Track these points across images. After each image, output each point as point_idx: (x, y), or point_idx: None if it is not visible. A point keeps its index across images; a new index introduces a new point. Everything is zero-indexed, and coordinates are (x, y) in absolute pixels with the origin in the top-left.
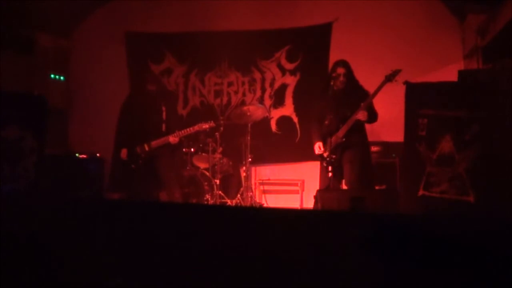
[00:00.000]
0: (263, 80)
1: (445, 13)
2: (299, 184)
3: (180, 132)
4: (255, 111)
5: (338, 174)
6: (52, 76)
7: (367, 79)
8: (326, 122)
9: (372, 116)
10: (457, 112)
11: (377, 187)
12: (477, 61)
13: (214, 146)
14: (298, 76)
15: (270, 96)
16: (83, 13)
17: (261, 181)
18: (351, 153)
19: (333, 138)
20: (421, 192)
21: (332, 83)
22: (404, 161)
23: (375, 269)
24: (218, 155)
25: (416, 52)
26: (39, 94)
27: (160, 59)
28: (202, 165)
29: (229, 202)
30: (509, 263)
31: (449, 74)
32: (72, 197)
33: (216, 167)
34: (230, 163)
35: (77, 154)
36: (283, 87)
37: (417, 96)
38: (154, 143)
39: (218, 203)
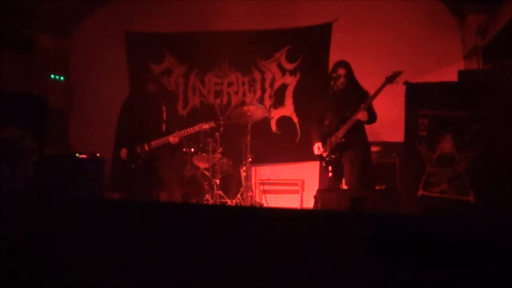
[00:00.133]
0: (263, 80)
1: (445, 13)
2: (299, 184)
3: (180, 132)
4: (255, 111)
5: (338, 174)
6: (52, 76)
7: (367, 79)
8: (326, 122)
9: (372, 117)
10: (457, 112)
11: (377, 187)
12: (477, 61)
13: (214, 146)
14: (298, 76)
15: (270, 96)
16: (83, 13)
17: (261, 181)
18: (351, 153)
19: (333, 138)
20: (420, 192)
21: (332, 83)
22: (404, 161)
23: (375, 269)
24: (218, 155)
25: (416, 52)
26: (39, 94)
27: (160, 59)
28: (202, 165)
29: (229, 202)
30: (509, 263)
31: (449, 74)
32: (72, 197)
33: (216, 167)
34: (230, 163)
35: (77, 154)
36: (283, 87)
37: (417, 96)
38: (154, 143)
39: (218, 203)
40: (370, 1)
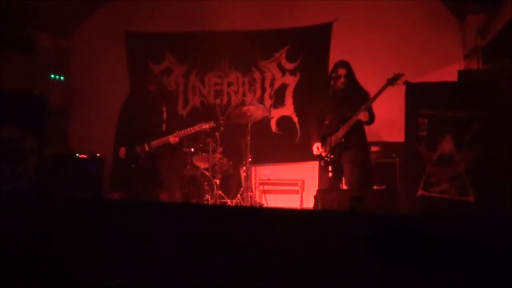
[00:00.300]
0: (263, 80)
1: (445, 13)
2: (299, 184)
3: (181, 132)
4: (255, 111)
5: (338, 174)
6: (52, 76)
7: (367, 79)
8: (326, 122)
9: (372, 118)
10: (457, 112)
11: (377, 187)
12: (477, 61)
13: (214, 146)
14: (298, 76)
15: (270, 96)
16: (83, 13)
17: (261, 181)
18: (351, 153)
19: (333, 138)
20: (420, 192)
21: (332, 83)
22: (404, 161)
23: (375, 269)
24: (218, 155)
25: (416, 52)
26: (39, 94)
27: (160, 59)
28: (202, 165)
29: (229, 202)
30: (509, 263)
31: (449, 74)
32: (72, 197)
33: (216, 167)
34: (230, 163)
35: (77, 154)
36: (283, 87)
37: (417, 96)
38: (154, 143)
39: (218, 203)
40: (370, 1)
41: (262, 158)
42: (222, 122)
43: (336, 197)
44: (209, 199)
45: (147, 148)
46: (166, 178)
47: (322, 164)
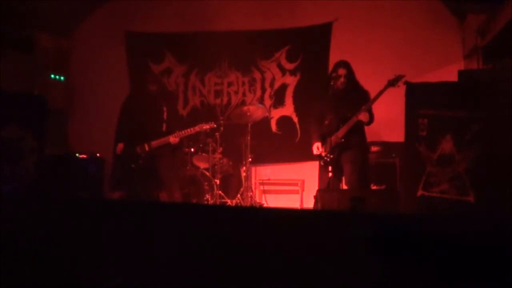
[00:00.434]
0: (263, 80)
1: (445, 13)
2: (299, 184)
3: (181, 133)
4: (255, 111)
5: (338, 174)
6: (52, 76)
7: (367, 79)
8: (326, 122)
9: (371, 118)
10: (457, 112)
11: (377, 187)
12: (477, 61)
13: (214, 146)
14: (298, 76)
15: (270, 96)
16: (83, 13)
17: (261, 181)
18: (352, 153)
19: (333, 138)
20: (420, 192)
21: (332, 83)
22: (404, 161)
23: (375, 269)
24: (218, 155)
25: (416, 52)
26: (39, 94)
27: (160, 59)
28: (202, 165)
29: (229, 202)
30: (509, 263)
31: (449, 74)
32: (72, 197)
33: (216, 167)
34: (230, 163)
35: (77, 154)
36: (283, 87)
37: (417, 96)
38: (154, 143)
39: (218, 203)
40: (370, 1)
41: (262, 158)
42: (222, 122)
43: (336, 197)
44: (209, 199)
45: (147, 148)
46: (166, 178)
47: (322, 163)
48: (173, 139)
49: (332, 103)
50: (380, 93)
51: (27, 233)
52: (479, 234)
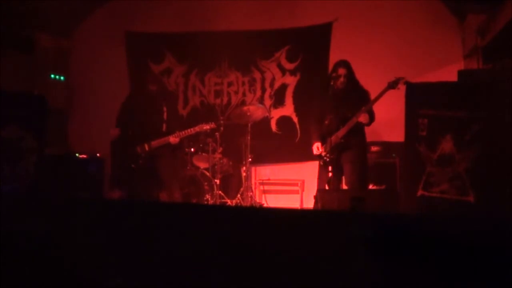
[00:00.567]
0: (263, 80)
1: (445, 13)
2: (299, 184)
3: (181, 133)
4: (255, 111)
5: (338, 174)
6: (52, 76)
7: (367, 79)
8: (326, 122)
9: (371, 119)
10: (457, 112)
11: (377, 187)
12: (477, 61)
13: (214, 146)
14: (298, 76)
15: (270, 96)
16: (83, 13)
17: (261, 181)
18: (352, 153)
19: (333, 138)
20: (420, 192)
21: (332, 83)
22: (404, 161)
23: (375, 269)
24: (218, 155)
25: (416, 52)
26: (39, 94)
27: (160, 59)
28: (202, 165)
29: (229, 202)
30: (509, 263)
31: (449, 74)
32: (72, 197)
33: (216, 167)
34: (230, 163)
35: (77, 154)
36: (283, 87)
37: (417, 96)
38: (154, 143)
39: (218, 203)
40: (370, 1)
41: (262, 158)
42: (222, 122)
43: (336, 197)
44: (209, 199)
45: (147, 148)
46: (166, 178)
47: (321, 163)
48: (173, 139)
49: (332, 103)
50: (380, 95)
51: (27, 233)
52: (479, 234)
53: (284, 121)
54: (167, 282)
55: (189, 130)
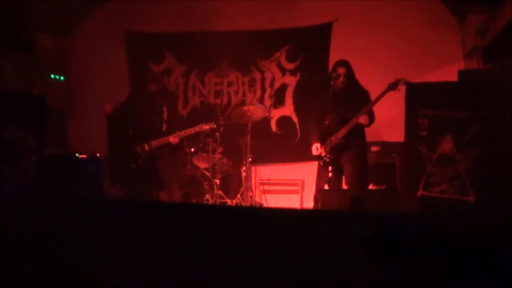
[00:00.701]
0: (263, 80)
1: (445, 13)
2: (299, 184)
3: (181, 133)
4: (255, 111)
5: (338, 174)
6: (52, 76)
7: (367, 79)
8: (326, 122)
9: (371, 120)
10: (457, 112)
11: (377, 187)
12: (477, 61)
13: (214, 146)
14: (298, 76)
15: (270, 96)
16: (83, 13)
17: (261, 181)
18: (352, 153)
19: (333, 138)
20: (420, 192)
21: (332, 82)
22: (404, 161)
23: (375, 269)
24: (218, 155)
25: (416, 52)
26: (39, 94)
27: (160, 59)
28: (202, 165)
29: (229, 202)
30: (509, 263)
31: (449, 74)
32: (72, 197)
33: (216, 167)
34: (230, 163)
35: (77, 154)
36: (283, 87)
37: (417, 96)
38: (154, 143)
39: (218, 203)
40: (370, 1)
41: (262, 158)
42: (222, 122)
43: (336, 197)
44: (209, 199)
45: (147, 148)
46: (166, 178)
47: (321, 163)
48: (173, 139)
49: (332, 103)
50: (380, 96)
51: (27, 233)
52: (479, 234)
53: (284, 121)
54: (167, 282)
55: (189, 130)
